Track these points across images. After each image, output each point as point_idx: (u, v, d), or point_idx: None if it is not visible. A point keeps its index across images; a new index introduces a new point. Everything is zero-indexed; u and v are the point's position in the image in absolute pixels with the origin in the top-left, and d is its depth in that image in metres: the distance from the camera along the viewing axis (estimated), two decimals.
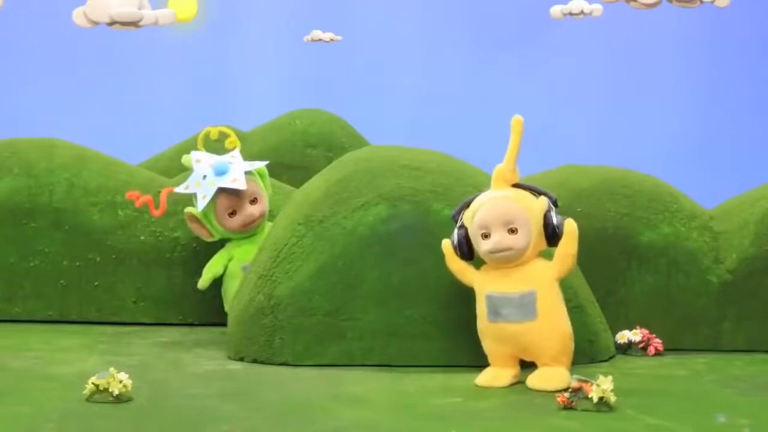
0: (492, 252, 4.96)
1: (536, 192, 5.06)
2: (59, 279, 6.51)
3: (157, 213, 6.32)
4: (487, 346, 5.11)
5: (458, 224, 5.10)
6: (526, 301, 4.96)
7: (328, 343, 5.38)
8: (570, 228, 4.97)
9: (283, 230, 5.65)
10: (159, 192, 6.39)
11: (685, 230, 6.00)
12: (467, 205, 5.10)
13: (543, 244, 5.04)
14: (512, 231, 4.95)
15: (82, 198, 6.60)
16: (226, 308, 6.13)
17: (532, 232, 4.95)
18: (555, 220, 4.97)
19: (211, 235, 6.31)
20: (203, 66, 11.33)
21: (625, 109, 11.10)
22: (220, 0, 10.62)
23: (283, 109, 9.41)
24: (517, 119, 5.04)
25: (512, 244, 4.94)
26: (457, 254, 5.11)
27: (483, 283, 5.06)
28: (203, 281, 6.26)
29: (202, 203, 6.18)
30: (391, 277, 5.37)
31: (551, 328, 4.98)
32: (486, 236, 4.98)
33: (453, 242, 5.11)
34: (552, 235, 4.99)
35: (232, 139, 6.58)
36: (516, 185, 5.08)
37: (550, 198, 5.03)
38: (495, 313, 5.00)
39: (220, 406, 4.59)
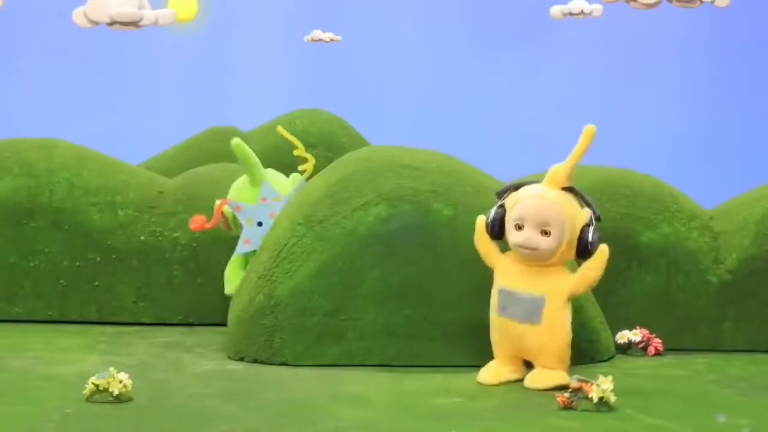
0: (519, 246, 4.97)
1: (584, 202, 5.06)
2: (59, 279, 6.51)
3: (208, 225, 6.23)
4: (493, 338, 5.14)
5: (499, 203, 5.10)
6: (533, 305, 4.96)
7: (328, 343, 5.38)
8: (602, 252, 4.96)
9: (283, 230, 5.65)
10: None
11: (685, 230, 6.00)
12: (516, 188, 5.10)
13: (571, 254, 5.02)
14: (545, 233, 4.94)
15: (82, 198, 6.60)
16: (227, 291, 6.15)
17: (563, 240, 4.94)
18: (590, 237, 4.95)
19: (232, 229, 6.31)
20: (203, 66, 11.33)
21: (625, 109, 11.09)
22: (220, 0, 10.62)
23: (283, 109, 9.40)
24: (590, 128, 5.01)
25: (540, 244, 4.94)
26: (487, 231, 5.10)
27: (501, 275, 5.09)
28: (230, 287, 6.22)
29: (243, 247, 6.15)
30: (391, 277, 5.37)
31: (551, 336, 4.99)
32: (519, 228, 4.98)
33: (488, 219, 5.10)
34: (583, 250, 4.97)
35: (309, 167, 6.42)
36: (568, 189, 5.06)
37: (594, 213, 5.02)
38: (502, 307, 5.04)
39: (220, 406, 4.59)
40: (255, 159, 6.24)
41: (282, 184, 6.33)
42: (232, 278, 6.18)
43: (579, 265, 5.09)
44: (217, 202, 6.22)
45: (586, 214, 5.01)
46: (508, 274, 5.07)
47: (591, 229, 4.97)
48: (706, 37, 11.01)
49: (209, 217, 6.20)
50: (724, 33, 10.92)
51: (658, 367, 5.53)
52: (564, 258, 5.05)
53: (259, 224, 6.16)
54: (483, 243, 5.16)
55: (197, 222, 6.21)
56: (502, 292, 5.07)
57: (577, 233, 4.97)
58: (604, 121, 11.08)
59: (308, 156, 6.44)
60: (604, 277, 5.63)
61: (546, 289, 4.99)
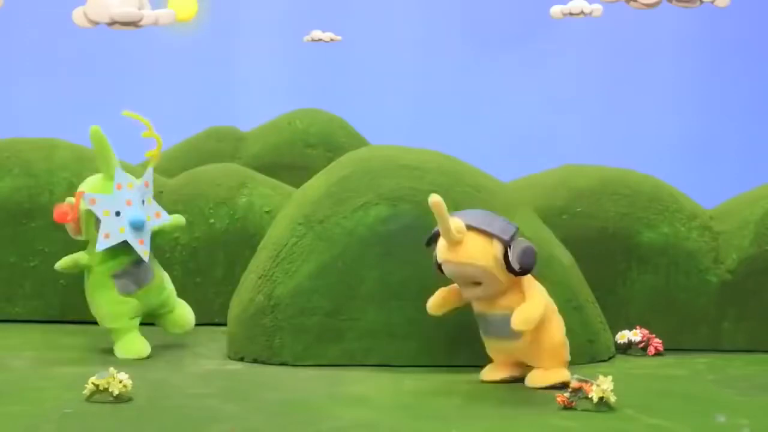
0: (467, 298, 5.02)
1: (487, 234, 4.89)
2: (59, 279, 6.50)
3: (69, 219, 5.70)
4: (488, 351, 5.15)
5: (434, 250, 5.03)
6: (508, 323, 4.91)
7: (328, 343, 5.38)
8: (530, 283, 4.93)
9: (283, 230, 5.65)
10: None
11: (685, 230, 6.00)
12: (434, 240, 4.99)
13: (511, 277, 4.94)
14: (476, 284, 4.94)
15: None
16: (93, 312, 5.77)
17: (495, 276, 4.88)
18: (512, 259, 4.83)
19: (80, 234, 5.79)
20: (203, 66, 11.33)
21: (625, 109, 11.10)
22: (220, 0, 10.62)
23: (283, 109, 9.41)
24: (434, 201, 4.76)
25: (480, 294, 4.96)
26: (439, 271, 5.03)
27: (473, 302, 5.08)
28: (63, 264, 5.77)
29: (103, 243, 5.61)
30: (390, 277, 5.37)
31: (540, 342, 4.97)
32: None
33: (434, 266, 5.03)
34: (514, 272, 4.87)
35: (155, 152, 5.91)
36: (469, 228, 4.89)
37: (504, 236, 4.87)
38: (485, 330, 5.07)
39: (220, 406, 4.59)
40: (111, 150, 5.75)
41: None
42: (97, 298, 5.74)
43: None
44: (72, 199, 5.75)
45: (496, 247, 4.86)
46: (478, 302, 5.05)
47: (510, 252, 4.84)
48: (706, 37, 11.02)
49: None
50: (724, 33, 10.92)
51: (658, 367, 5.53)
52: (514, 280, 4.94)
53: (117, 214, 5.64)
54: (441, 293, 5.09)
55: (61, 212, 5.72)
56: (479, 318, 5.07)
57: (502, 263, 4.86)
58: (603, 121, 11.13)
59: (158, 137, 5.91)
60: (604, 277, 5.64)
61: (514, 304, 4.91)
